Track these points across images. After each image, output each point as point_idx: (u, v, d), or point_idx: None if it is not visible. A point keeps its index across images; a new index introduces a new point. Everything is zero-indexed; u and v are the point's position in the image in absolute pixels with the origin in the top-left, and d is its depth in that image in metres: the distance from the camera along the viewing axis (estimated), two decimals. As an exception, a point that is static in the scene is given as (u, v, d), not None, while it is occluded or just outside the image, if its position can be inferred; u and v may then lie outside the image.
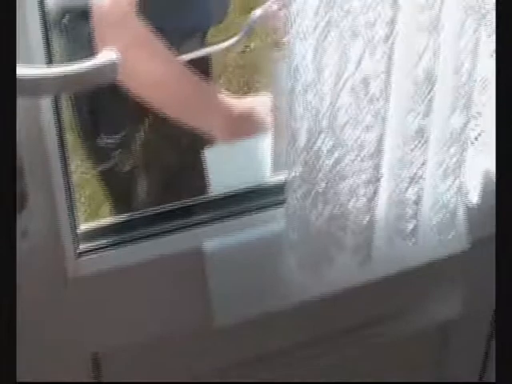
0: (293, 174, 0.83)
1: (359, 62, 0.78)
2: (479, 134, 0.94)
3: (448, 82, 0.85)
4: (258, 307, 0.95)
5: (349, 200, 0.86)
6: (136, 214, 0.94)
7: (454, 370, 1.24)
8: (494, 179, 0.94)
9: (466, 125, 0.88)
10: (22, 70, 0.70)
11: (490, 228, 0.97)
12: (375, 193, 0.86)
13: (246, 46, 2.32)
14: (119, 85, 1.03)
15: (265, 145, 1.00)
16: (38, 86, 0.72)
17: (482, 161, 0.97)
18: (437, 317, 1.15)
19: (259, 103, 1.17)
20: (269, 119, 1.08)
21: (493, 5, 0.82)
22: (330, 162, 0.83)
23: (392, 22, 0.77)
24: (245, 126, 1.14)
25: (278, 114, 0.97)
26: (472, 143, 0.93)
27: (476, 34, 0.83)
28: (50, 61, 0.76)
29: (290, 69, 0.79)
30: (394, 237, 0.92)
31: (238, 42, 1.22)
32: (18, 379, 0.82)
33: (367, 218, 0.87)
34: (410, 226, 0.91)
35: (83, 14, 1.06)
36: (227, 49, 1.24)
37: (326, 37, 0.76)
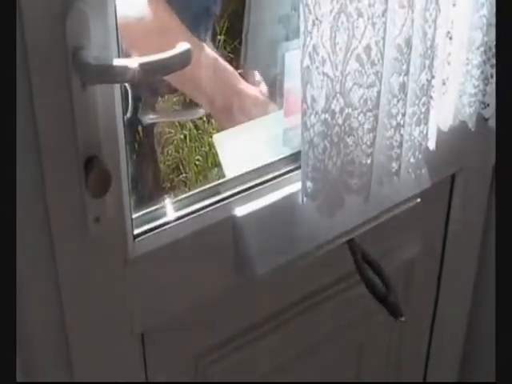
0: (313, 132, 1.03)
1: (363, 35, 1.00)
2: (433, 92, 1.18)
3: (418, 46, 1.08)
4: (286, 255, 1.13)
5: (355, 148, 1.07)
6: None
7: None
8: (444, 130, 1.19)
9: (430, 81, 1.12)
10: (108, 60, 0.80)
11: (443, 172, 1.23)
12: (374, 139, 1.08)
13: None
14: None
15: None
16: (123, 74, 0.80)
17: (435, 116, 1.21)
18: (404, 256, 1.40)
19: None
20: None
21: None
22: (341, 119, 1.04)
23: (386, 1, 0.99)
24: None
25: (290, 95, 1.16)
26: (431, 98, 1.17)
27: (436, 8, 1.07)
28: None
29: (305, 51, 0.98)
30: (384, 177, 1.14)
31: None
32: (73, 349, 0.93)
33: (369, 162, 1.09)
34: (395, 167, 1.14)
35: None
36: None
37: (338, 18, 0.97)
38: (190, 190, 1.11)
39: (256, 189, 1.11)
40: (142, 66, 0.81)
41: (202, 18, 1.44)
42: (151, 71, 0.84)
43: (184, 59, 0.86)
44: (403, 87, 1.08)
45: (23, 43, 0.79)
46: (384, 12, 0.99)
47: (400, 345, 1.57)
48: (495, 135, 1.04)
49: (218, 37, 2.42)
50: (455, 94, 1.22)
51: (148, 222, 1.03)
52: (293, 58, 1.08)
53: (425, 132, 1.15)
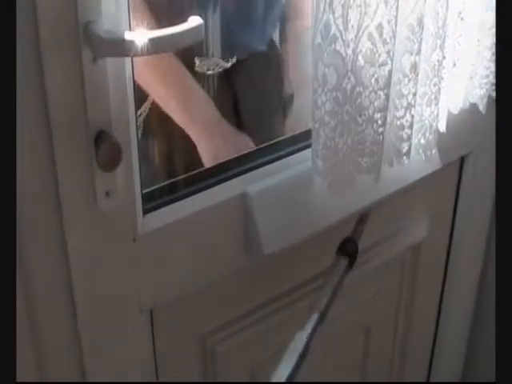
0: (324, 110, 1.03)
1: (375, 13, 0.99)
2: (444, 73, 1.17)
3: (430, 26, 1.08)
4: (295, 235, 1.13)
5: (366, 127, 1.07)
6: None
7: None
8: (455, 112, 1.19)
9: (441, 62, 1.12)
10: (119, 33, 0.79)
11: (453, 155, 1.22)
12: (385, 118, 1.07)
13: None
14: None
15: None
16: (134, 47, 0.79)
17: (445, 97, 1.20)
18: (412, 239, 1.40)
19: None
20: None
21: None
22: (352, 97, 1.04)
23: (399, -22, 0.99)
24: None
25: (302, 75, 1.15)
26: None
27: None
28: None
29: (317, 28, 0.98)
30: (394, 157, 1.14)
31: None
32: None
33: (379, 141, 1.09)
34: (406, 147, 1.13)
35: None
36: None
37: (351, -5, 0.97)
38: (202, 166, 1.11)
39: (267, 166, 1.11)
40: (152, 39, 0.80)
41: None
42: (162, 45, 0.83)
43: (195, 34, 0.85)
44: (414, 67, 1.07)
45: (34, 17, 0.78)
46: (397, -11, 0.98)
47: (407, 326, 1.57)
48: (495, 127, 1.02)
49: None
50: (466, 75, 1.22)
51: (158, 198, 1.03)
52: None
53: (435, 113, 1.14)
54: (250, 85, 1.45)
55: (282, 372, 0.96)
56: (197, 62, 1.34)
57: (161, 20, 1.20)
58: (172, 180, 1.07)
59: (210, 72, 1.36)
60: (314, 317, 1.07)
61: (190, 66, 1.33)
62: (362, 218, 1.20)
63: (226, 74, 1.39)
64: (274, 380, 0.95)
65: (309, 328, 1.04)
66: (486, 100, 1.25)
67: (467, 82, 1.22)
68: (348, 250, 1.15)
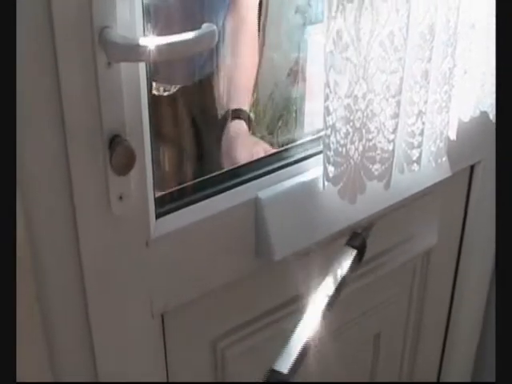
0: (335, 117, 1.04)
1: (386, 21, 1.00)
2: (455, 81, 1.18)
3: (441, 34, 1.09)
4: (305, 241, 1.13)
5: (377, 134, 1.08)
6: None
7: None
8: (465, 120, 1.19)
9: (452, 69, 1.12)
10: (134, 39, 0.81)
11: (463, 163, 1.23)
12: (396, 125, 1.08)
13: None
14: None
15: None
16: (148, 53, 0.80)
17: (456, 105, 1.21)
18: (422, 246, 1.40)
19: None
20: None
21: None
22: (364, 104, 1.04)
23: (410, -14, 1.00)
24: None
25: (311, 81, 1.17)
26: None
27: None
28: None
29: (329, 36, 0.99)
30: (404, 164, 1.15)
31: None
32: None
33: (390, 148, 1.09)
34: (416, 154, 1.14)
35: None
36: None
37: (363, 3, 0.97)
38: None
39: (278, 172, 1.12)
40: (166, 45, 0.82)
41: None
42: (176, 51, 0.84)
43: (208, 40, 0.86)
44: (426, 74, 1.08)
45: (50, 21, 0.80)
46: (408, -3, 0.99)
47: (417, 332, 1.57)
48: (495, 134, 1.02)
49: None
50: (477, 83, 1.22)
51: (171, 202, 1.04)
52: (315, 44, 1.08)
53: (446, 121, 1.15)
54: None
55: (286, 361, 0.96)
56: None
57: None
58: (184, 185, 1.07)
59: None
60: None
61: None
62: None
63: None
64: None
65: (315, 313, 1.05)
66: (496, 108, 1.26)
67: (478, 90, 1.23)
68: (356, 243, 1.15)
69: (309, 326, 1.02)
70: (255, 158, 1.17)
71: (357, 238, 1.15)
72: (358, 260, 1.14)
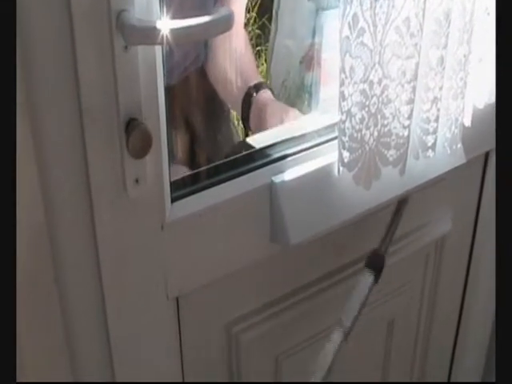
0: (351, 102, 1.04)
1: (402, 6, 1.00)
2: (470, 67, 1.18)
3: (457, 20, 1.08)
4: (321, 226, 1.14)
5: (392, 120, 1.08)
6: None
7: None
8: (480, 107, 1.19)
9: (467, 56, 1.12)
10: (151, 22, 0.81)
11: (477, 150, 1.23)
12: (412, 111, 1.08)
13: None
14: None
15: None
16: (165, 36, 0.80)
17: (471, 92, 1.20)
18: (436, 233, 1.40)
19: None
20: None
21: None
22: (379, 90, 1.04)
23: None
24: None
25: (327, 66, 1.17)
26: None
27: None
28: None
29: (345, 21, 0.99)
30: (419, 150, 1.15)
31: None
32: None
33: (406, 134, 1.09)
34: (431, 141, 1.14)
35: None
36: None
37: (379, -12, 0.98)
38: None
39: (294, 157, 1.12)
40: (184, 28, 0.82)
41: None
42: (193, 34, 0.85)
43: (225, 24, 0.86)
44: (441, 61, 1.08)
45: (68, 5, 0.80)
46: (424, -18, 0.99)
47: (430, 319, 1.57)
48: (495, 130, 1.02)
49: (248, 14, 2.43)
50: (492, 70, 1.22)
51: (186, 186, 1.05)
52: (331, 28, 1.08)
53: (461, 107, 1.15)
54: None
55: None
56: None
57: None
58: (200, 169, 1.08)
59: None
60: (340, 333, 1.11)
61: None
62: (391, 224, 1.22)
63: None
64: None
65: (333, 346, 1.09)
66: (511, 95, 1.25)
67: (493, 77, 1.23)
68: (376, 265, 1.17)
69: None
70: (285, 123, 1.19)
71: (377, 259, 1.16)
72: (375, 282, 1.15)
